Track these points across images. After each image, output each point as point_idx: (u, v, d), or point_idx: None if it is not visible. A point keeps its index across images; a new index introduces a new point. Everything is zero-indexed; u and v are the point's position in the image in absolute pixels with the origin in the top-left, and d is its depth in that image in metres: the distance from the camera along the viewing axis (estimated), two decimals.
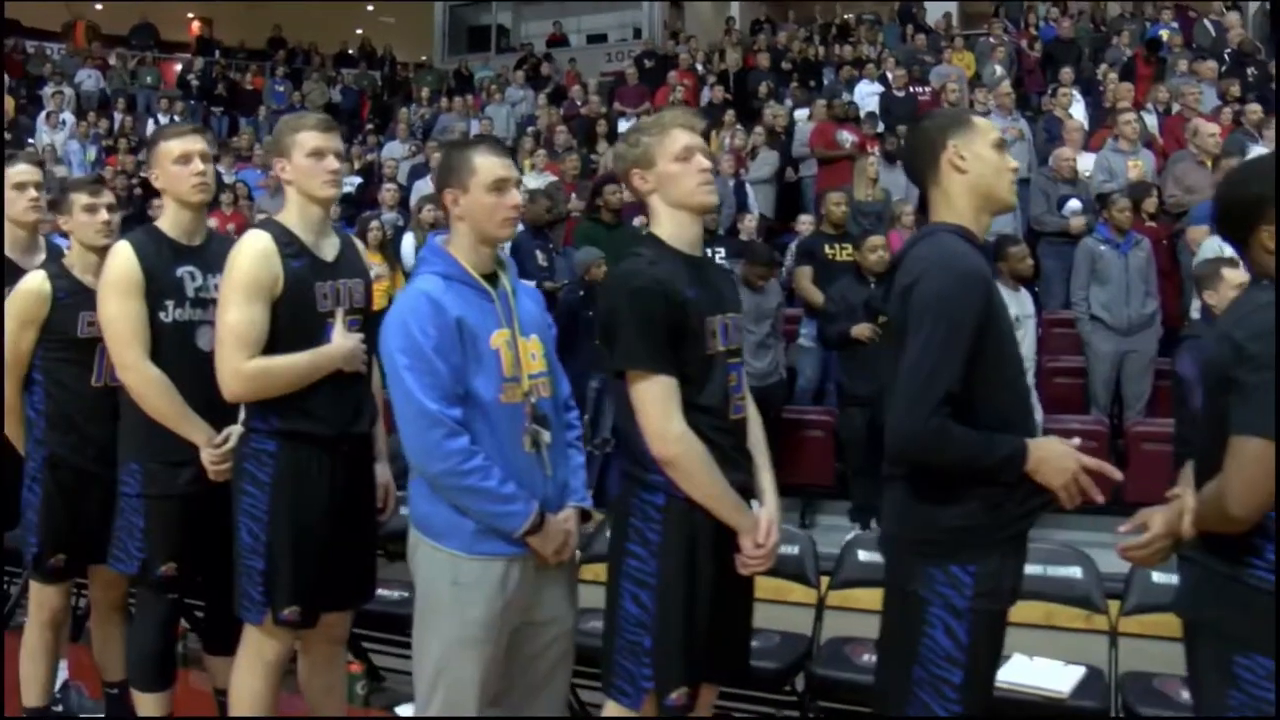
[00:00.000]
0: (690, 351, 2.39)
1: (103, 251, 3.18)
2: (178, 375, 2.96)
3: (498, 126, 13.29)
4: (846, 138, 9.49)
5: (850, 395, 6.09)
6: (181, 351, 2.99)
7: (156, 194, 10.57)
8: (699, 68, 14.01)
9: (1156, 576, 3.42)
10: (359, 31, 20.95)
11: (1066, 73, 10.45)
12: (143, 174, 3.38)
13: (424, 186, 9.44)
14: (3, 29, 15.49)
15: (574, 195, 8.47)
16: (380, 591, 3.31)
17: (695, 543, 2.40)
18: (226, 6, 21.14)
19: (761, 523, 2.45)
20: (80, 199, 3.30)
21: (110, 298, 2.97)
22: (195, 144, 3.06)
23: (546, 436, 2.55)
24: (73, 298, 3.26)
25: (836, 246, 6.99)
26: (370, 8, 22.11)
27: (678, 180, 2.45)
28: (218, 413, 2.91)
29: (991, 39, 12.69)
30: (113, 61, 17.25)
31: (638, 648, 2.41)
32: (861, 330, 5.88)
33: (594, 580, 2.87)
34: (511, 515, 2.46)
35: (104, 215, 3.30)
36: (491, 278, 2.60)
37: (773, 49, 14.04)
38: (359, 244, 3.16)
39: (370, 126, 14.28)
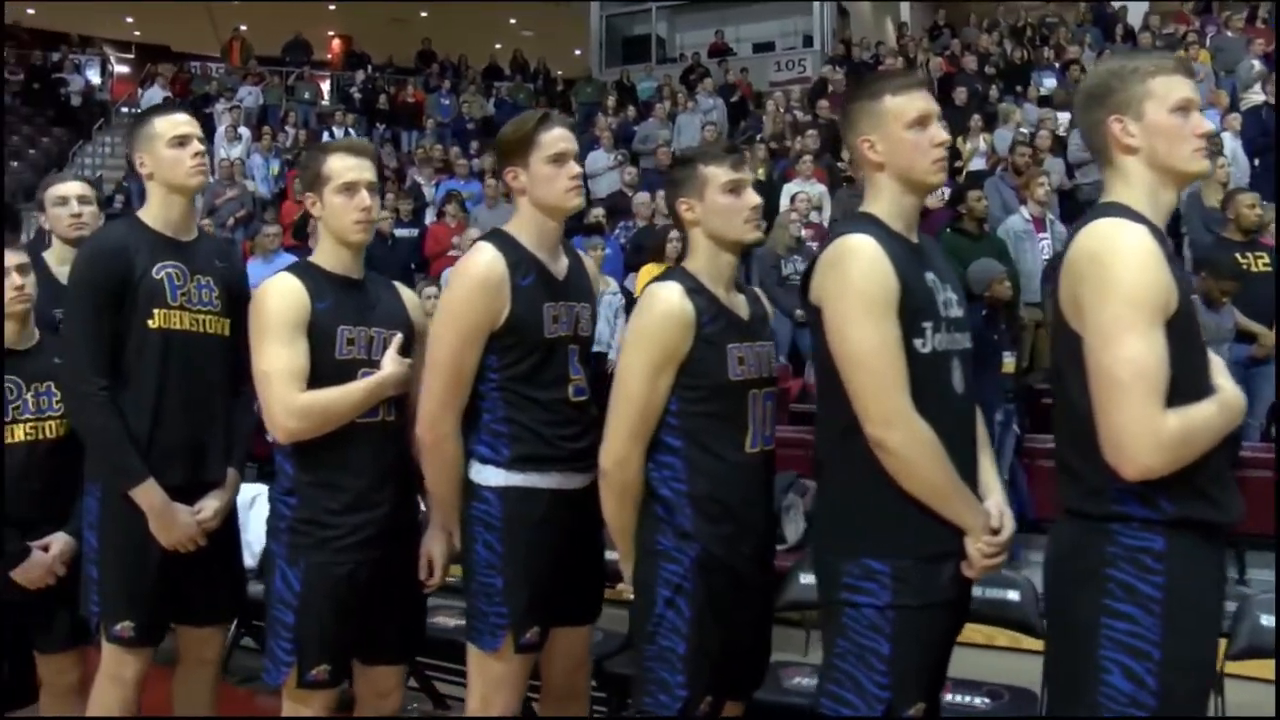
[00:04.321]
0: None
1: None
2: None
3: (687, 135, 12.69)
4: None
5: None
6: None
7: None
8: None
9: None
10: (498, 46, 20.64)
11: None
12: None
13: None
14: (2, 32, 15.29)
15: None
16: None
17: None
18: (368, 24, 20.98)
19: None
20: None
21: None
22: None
23: None
24: None
25: (1251, 256, 5.99)
26: (513, 21, 21.74)
27: None
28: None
29: (1230, 32, 11.80)
30: (269, 79, 16.99)
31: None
32: None
33: None
34: None
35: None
36: None
37: (977, 53, 13.24)
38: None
39: None
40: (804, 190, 8.47)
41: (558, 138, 2.48)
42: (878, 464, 2.03)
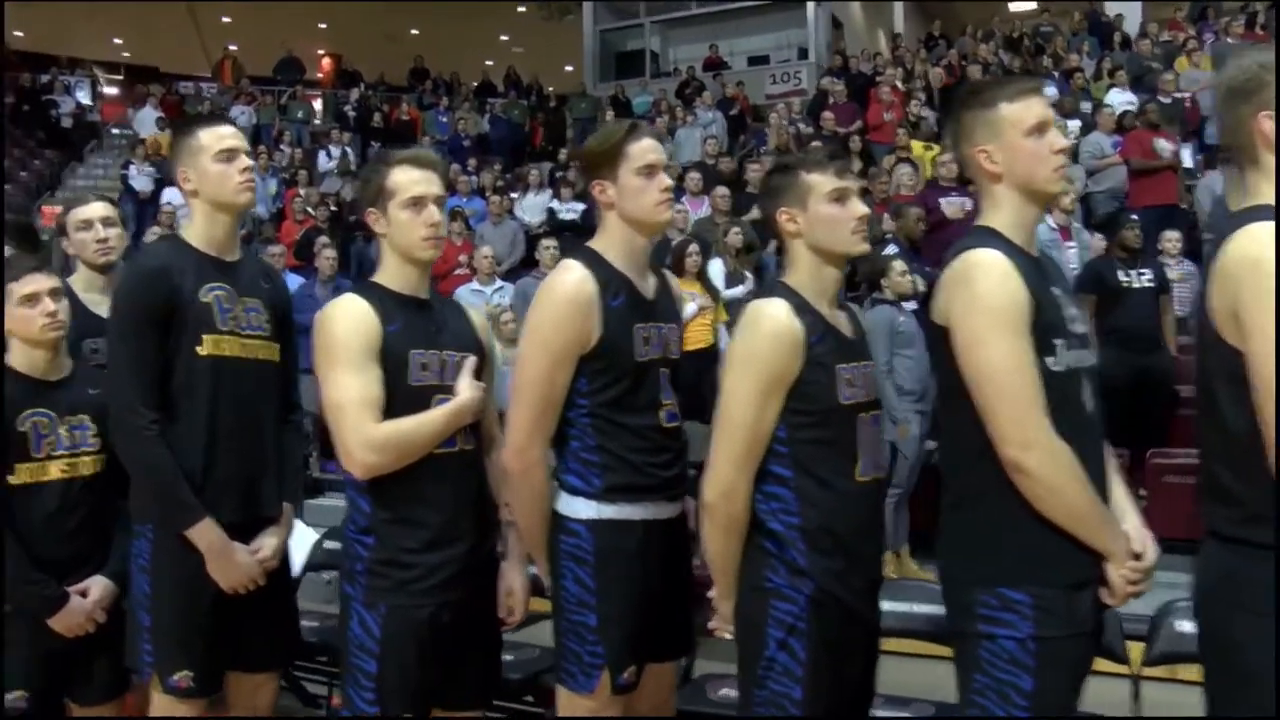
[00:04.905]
0: None
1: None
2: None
3: (687, 150, 12.61)
4: (1165, 146, 8.53)
5: None
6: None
7: (359, 226, 10.16)
8: (898, 84, 13.22)
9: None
10: (489, 62, 20.56)
11: None
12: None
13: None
14: (4, 39, 15.09)
15: (886, 216, 7.59)
16: None
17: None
18: (358, 42, 20.85)
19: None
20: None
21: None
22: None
23: None
24: None
25: None
26: (504, 37, 21.67)
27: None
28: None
29: (1230, 39, 11.80)
30: (260, 98, 16.91)
31: None
32: None
33: None
34: None
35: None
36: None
37: (979, 62, 13.21)
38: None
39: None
40: None
41: (647, 148, 2.35)
42: (1013, 488, 1.91)
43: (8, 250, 2.83)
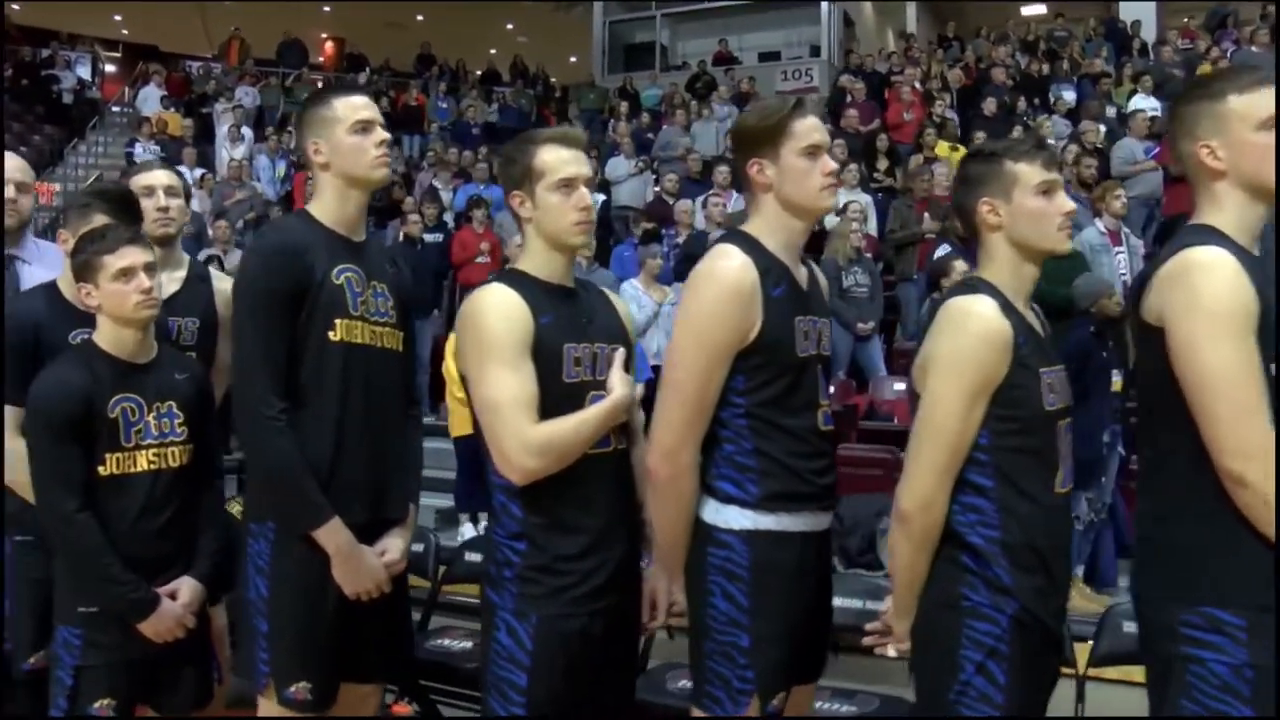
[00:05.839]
0: None
1: None
2: None
3: (704, 143, 12.46)
4: None
5: None
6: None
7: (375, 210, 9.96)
8: (916, 84, 13.11)
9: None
10: (493, 51, 20.37)
11: None
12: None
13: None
14: (3, 32, 14.84)
15: (926, 215, 7.47)
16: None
17: None
18: (362, 27, 20.61)
19: None
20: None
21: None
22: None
23: None
24: None
25: None
26: (509, 26, 21.47)
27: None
28: None
29: (1255, 48, 11.71)
30: (264, 79, 16.65)
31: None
32: None
33: None
34: None
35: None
36: None
37: (1002, 65, 13.12)
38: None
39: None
40: (854, 199, 8.23)
41: (812, 127, 2.18)
42: (1229, 501, 1.77)
43: (102, 219, 2.61)
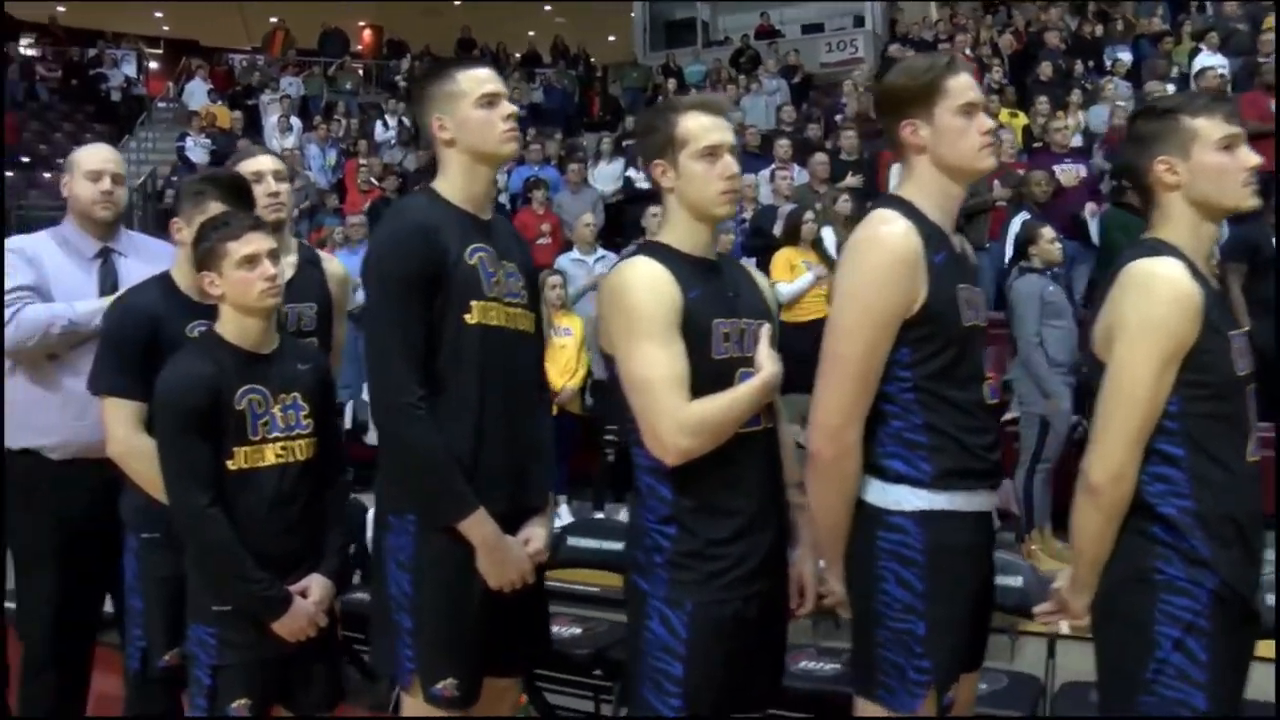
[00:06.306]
0: None
1: None
2: None
3: (753, 117, 12.32)
4: None
5: None
6: None
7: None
8: (968, 51, 12.89)
9: None
10: (531, 33, 20.29)
11: None
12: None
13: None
14: (4, 28, 14.86)
15: (997, 183, 7.32)
16: None
17: None
18: (400, 13, 20.60)
19: None
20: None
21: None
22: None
23: None
24: None
25: None
26: (547, 8, 21.38)
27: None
28: None
29: None
30: (307, 69, 16.71)
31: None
32: None
33: None
34: None
35: None
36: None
37: (1055, 28, 12.88)
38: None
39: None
40: None
41: (967, 85, 2.05)
42: None
43: (218, 206, 2.56)
